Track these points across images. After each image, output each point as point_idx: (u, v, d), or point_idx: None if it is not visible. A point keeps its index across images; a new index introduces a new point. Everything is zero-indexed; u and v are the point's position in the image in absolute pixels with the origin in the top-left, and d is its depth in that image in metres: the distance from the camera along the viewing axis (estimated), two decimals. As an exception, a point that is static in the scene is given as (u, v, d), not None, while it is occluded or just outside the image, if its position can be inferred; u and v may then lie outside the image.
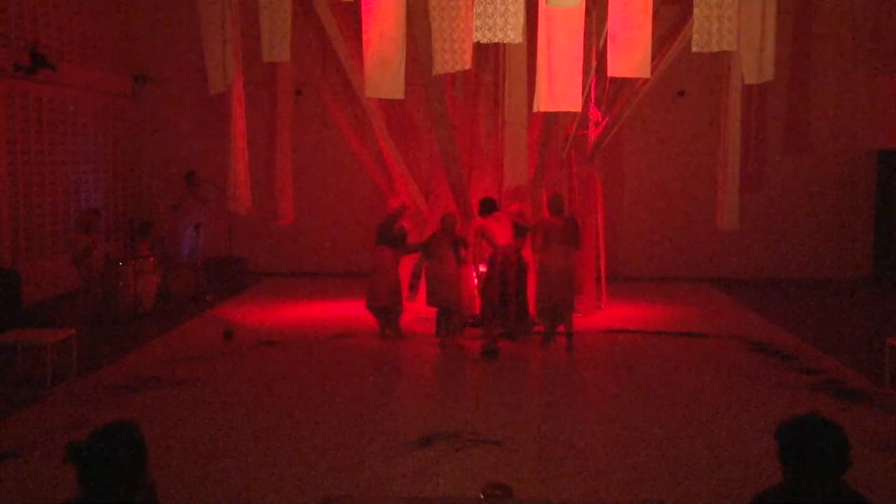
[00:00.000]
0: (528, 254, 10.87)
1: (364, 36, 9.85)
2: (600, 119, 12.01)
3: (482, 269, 10.55)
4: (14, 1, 11.94)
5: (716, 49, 9.57)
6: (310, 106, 14.44)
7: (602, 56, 10.55)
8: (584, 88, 10.22)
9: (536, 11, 9.65)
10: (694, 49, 9.55)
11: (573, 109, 10.06)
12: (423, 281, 10.50)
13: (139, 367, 9.22)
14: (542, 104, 9.73)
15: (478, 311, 10.81)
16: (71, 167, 13.61)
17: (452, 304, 10.32)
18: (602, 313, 12.12)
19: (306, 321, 11.70)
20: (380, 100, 10.88)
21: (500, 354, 9.81)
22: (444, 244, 10.28)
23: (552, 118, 11.32)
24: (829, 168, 15.69)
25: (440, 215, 10.78)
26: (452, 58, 9.61)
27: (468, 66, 9.83)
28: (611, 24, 9.75)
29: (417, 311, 11.12)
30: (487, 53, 11.58)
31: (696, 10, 9.47)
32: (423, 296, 10.63)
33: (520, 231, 10.34)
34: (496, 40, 9.18)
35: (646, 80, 10.84)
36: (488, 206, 10.38)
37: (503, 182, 11.16)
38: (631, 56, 9.69)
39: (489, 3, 8.84)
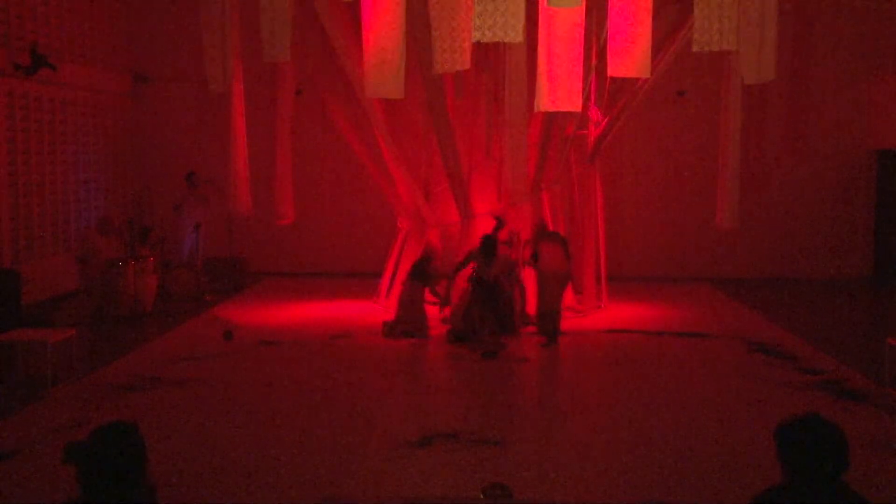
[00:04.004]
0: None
1: (364, 36, 9.85)
2: (600, 119, 12.01)
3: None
4: (14, 1, 11.94)
5: (716, 49, 9.58)
6: (310, 106, 14.44)
7: (602, 56, 10.56)
8: (584, 88, 10.23)
9: (536, 11, 9.65)
10: (694, 49, 9.56)
11: (573, 109, 10.07)
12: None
13: (139, 367, 9.22)
14: (542, 104, 9.74)
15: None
16: (71, 167, 13.61)
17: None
18: (602, 313, 12.11)
19: (306, 321, 11.70)
20: (380, 100, 10.88)
21: (499, 354, 9.81)
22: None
23: (552, 118, 11.34)
24: (829, 168, 15.69)
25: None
26: (452, 57, 9.62)
27: (468, 65, 9.83)
28: (611, 24, 9.75)
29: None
30: (487, 53, 11.59)
31: (696, 10, 9.47)
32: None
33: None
34: (496, 40, 9.19)
35: (646, 80, 10.85)
36: (488, 248, 10.44)
37: (503, 182, 11.16)
38: (631, 56, 9.69)
39: (489, 3, 8.84)
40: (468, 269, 10.66)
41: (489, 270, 10.19)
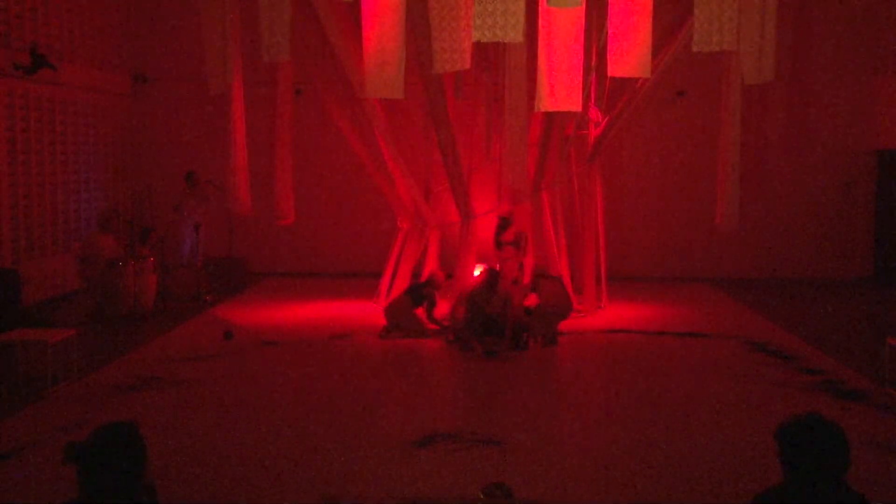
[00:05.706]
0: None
1: (364, 36, 9.85)
2: (600, 119, 12.02)
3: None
4: (14, 1, 11.93)
5: (716, 49, 9.58)
6: (310, 106, 14.44)
7: (602, 56, 10.56)
8: (584, 88, 10.23)
9: (536, 11, 9.65)
10: (694, 49, 9.56)
11: (573, 109, 10.07)
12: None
13: (139, 367, 9.22)
14: (543, 104, 9.74)
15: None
16: (71, 167, 13.60)
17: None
18: (602, 313, 12.11)
19: (306, 321, 11.69)
20: (380, 100, 10.88)
21: (499, 354, 9.80)
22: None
23: (552, 118, 11.34)
24: (829, 168, 15.69)
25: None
26: (452, 57, 9.62)
27: (468, 65, 9.83)
28: (611, 24, 9.76)
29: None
30: (487, 53, 11.59)
31: (696, 10, 9.48)
32: None
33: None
34: (496, 40, 9.19)
35: (646, 80, 10.85)
36: (491, 282, 10.36)
37: (503, 182, 11.18)
38: (631, 56, 9.70)
39: (489, 3, 8.84)
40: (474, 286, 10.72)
41: (491, 305, 10.14)
